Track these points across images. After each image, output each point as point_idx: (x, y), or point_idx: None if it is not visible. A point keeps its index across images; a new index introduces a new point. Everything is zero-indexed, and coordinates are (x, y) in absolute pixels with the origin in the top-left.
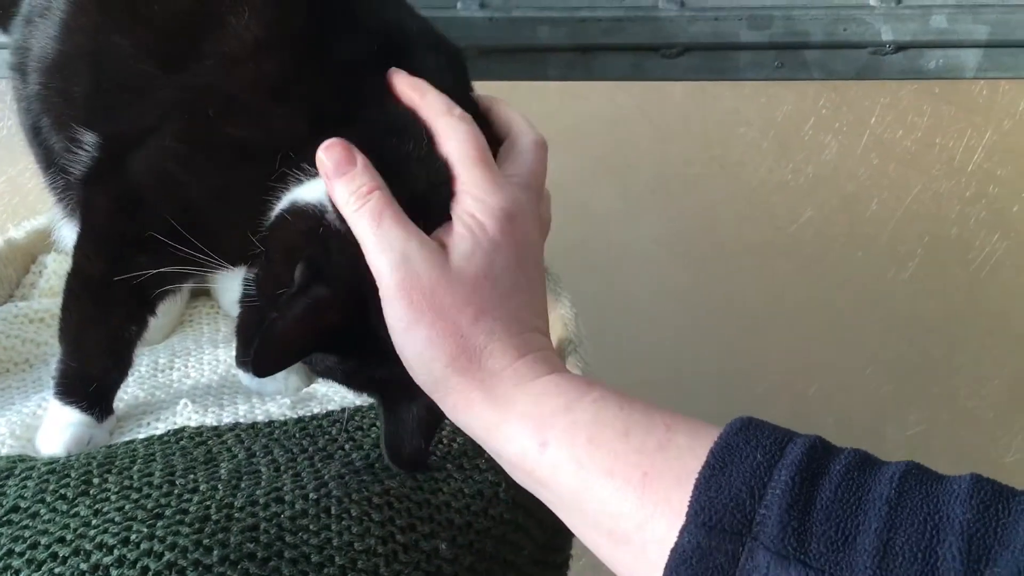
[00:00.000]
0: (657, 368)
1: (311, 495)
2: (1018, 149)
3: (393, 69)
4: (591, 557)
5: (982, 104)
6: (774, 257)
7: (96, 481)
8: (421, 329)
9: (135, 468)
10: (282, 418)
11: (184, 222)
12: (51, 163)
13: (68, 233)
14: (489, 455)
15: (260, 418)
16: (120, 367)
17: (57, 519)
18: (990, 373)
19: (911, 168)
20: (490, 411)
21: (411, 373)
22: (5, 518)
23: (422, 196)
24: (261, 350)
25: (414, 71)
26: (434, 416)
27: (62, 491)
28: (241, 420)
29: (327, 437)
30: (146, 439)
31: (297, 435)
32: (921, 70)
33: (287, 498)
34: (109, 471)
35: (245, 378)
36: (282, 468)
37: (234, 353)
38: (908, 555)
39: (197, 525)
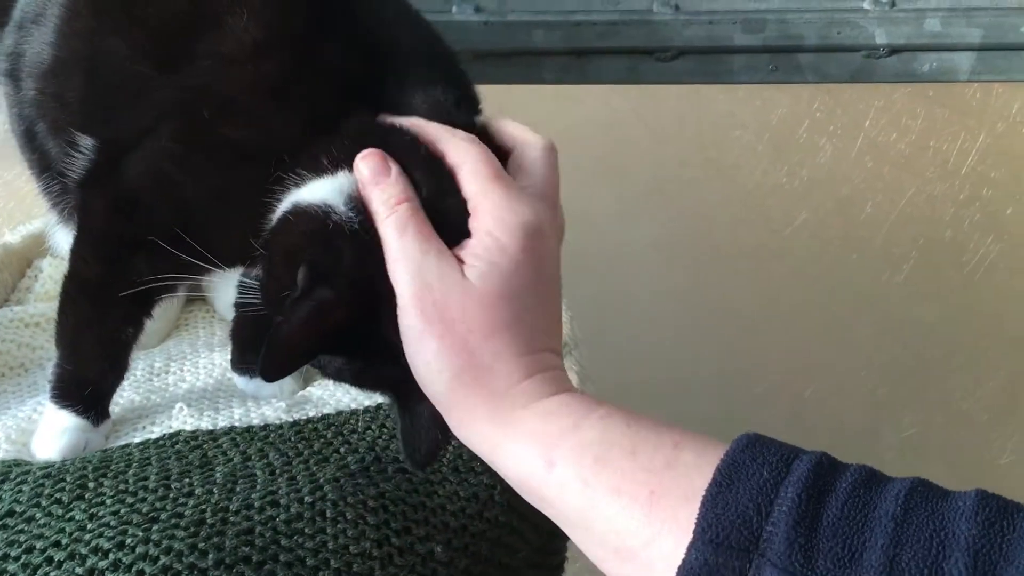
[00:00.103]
0: (653, 370)
1: (306, 498)
2: (1011, 152)
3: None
4: (587, 560)
5: (976, 107)
6: (769, 260)
7: (91, 485)
8: (431, 340)
9: (131, 472)
10: (277, 421)
11: (180, 223)
12: (46, 168)
13: (63, 238)
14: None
15: (255, 422)
16: (116, 370)
17: (52, 523)
18: (985, 375)
19: (905, 171)
20: (495, 429)
21: (419, 383)
22: (0, 523)
23: (446, 211)
24: (268, 355)
25: (404, 85)
26: None
27: (57, 495)
28: (236, 424)
29: (322, 440)
30: (142, 443)
31: (292, 438)
32: (915, 73)
33: (282, 502)
34: (104, 475)
35: (240, 382)
36: (277, 471)
37: (229, 357)
38: (914, 572)
39: (192, 529)
